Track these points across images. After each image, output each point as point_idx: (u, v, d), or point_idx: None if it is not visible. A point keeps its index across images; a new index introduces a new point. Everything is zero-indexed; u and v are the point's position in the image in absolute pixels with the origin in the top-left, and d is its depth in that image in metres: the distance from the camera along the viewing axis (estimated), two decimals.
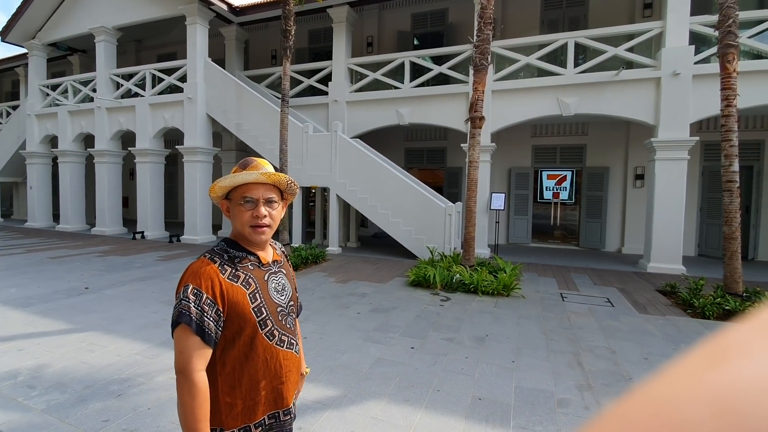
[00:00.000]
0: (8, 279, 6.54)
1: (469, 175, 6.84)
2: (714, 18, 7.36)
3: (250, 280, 1.17)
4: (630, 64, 8.05)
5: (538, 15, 10.55)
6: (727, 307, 5.04)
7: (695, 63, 7.52)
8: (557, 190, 10.09)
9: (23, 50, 13.95)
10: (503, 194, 8.87)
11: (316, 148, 9.55)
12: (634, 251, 9.70)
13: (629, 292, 6.34)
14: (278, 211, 1.23)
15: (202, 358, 1.05)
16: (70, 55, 14.83)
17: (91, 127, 12.44)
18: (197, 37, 10.69)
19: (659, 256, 7.78)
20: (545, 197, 10.50)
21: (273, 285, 1.23)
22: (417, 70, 10.03)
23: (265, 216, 1.18)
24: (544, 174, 10.49)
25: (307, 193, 12.16)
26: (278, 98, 10.65)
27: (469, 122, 6.82)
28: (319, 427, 2.58)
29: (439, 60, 9.76)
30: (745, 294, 5.39)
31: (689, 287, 5.78)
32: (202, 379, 1.04)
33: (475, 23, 6.97)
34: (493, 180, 10.37)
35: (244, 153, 11.97)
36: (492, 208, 8.80)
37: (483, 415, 2.77)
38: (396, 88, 9.92)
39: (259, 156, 10.22)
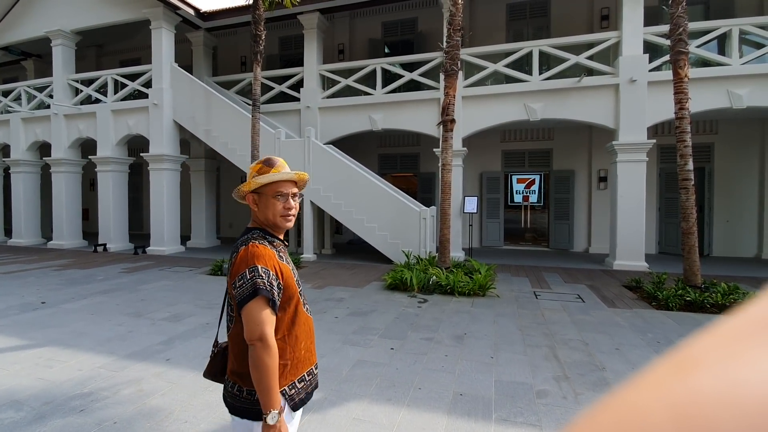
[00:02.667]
0: None
1: (442, 177, 6.94)
2: (665, 28, 7.88)
3: (286, 259, 1.40)
4: (591, 72, 8.46)
5: (503, 25, 10.94)
6: (688, 299, 5.30)
7: (650, 70, 7.99)
8: (527, 193, 10.40)
9: None
10: (476, 198, 9.05)
11: (289, 154, 9.43)
12: (601, 251, 10.09)
13: (598, 288, 6.57)
14: (298, 203, 1.45)
15: (272, 325, 1.25)
16: (24, 60, 14.08)
17: (48, 134, 11.81)
18: (163, 42, 10.40)
19: (624, 255, 8.12)
20: (516, 201, 10.79)
21: (292, 264, 1.47)
22: (389, 77, 10.14)
23: (293, 207, 1.41)
24: (514, 178, 10.79)
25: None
26: (249, 104, 10.47)
27: (442, 126, 6.93)
28: None
29: (410, 67, 9.92)
30: (703, 285, 5.70)
31: (653, 281, 6.07)
32: (275, 343, 1.24)
33: (445, 30, 7.15)
34: (465, 184, 10.55)
35: (213, 161, 11.68)
36: (465, 211, 8.95)
37: (465, 409, 2.77)
38: (368, 94, 9.98)
39: (227, 160, 10.02)
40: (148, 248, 10.40)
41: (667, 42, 7.94)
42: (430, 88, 9.54)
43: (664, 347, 3.99)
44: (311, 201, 9.19)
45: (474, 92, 9.04)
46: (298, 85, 10.65)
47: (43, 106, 12.06)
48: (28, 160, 12.19)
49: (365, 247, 9.12)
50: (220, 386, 1.51)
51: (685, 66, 5.76)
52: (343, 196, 8.95)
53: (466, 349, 3.91)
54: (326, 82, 10.72)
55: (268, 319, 1.23)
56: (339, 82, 10.29)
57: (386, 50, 12.08)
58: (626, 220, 8.06)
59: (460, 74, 9.04)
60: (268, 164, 1.39)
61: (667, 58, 8.01)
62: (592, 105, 8.37)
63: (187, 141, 11.34)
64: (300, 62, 10.73)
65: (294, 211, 1.41)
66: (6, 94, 12.71)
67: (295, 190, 1.43)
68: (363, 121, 10.02)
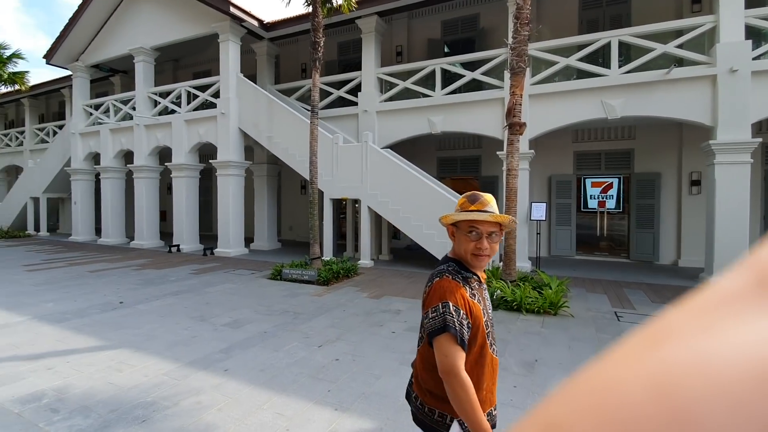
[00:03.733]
0: (47, 293, 6.72)
1: (507, 183, 6.48)
2: None
3: (479, 297, 1.40)
4: (681, 62, 7.49)
5: (576, 15, 10.11)
6: None
7: (753, 59, 6.88)
8: (603, 198, 9.48)
9: (68, 72, 14.80)
10: (544, 204, 8.40)
11: (347, 159, 9.45)
12: (693, 264, 8.92)
13: None
14: (497, 243, 1.41)
15: (462, 360, 1.27)
16: (112, 76, 15.64)
17: (131, 143, 12.96)
18: (230, 54, 10.96)
19: (723, 269, 7.04)
20: (590, 206, 9.89)
21: (488, 302, 1.47)
22: (448, 78, 9.80)
23: (486, 248, 1.37)
24: (588, 182, 9.90)
25: (339, 204, 12.10)
26: (308, 110, 10.68)
27: (507, 128, 6.48)
28: None
29: (471, 66, 9.50)
30: None
31: None
32: (466, 375, 1.25)
33: (510, 24, 6.69)
34: (532, 189, 9.89)
35: (275, 166, 12.08)
36: (533, 218, 8.34)
37: None
38: (427, 96, 9.72)
39: (289, 166, 10.26)
40: (216, 250, 10.98)
41: None
42: (493, 87, 9.05)
43: None
44: (368, 206, 9.11)
45: (542, 90, 8.42)
46: (356, 90, 10.67)
47: (127, 117, 13.27)
48: (115, 167, 13.47)
49: (423, 253, 8.86)
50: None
51: None
52: (400, 201, 8.76)
53: (537, 380, 3.51)
54: (384, 86, 10.63)
55: (458, 354, 1.26)
56: (397, 84, 10.14)
57: (446, 50, 11.73)
58: (726, 229, 7.00)
59: (528, 71, 8.46)
60: (471, 200, 1.41)
61: None
62: (683, 99, 7.40)
63: (251, 147, 11.84)
64: (358, 66, 10.74)
65: (487, 252, 1.37)
66: (97, 107, 14.17)
67: (494, 229, 1.39)
68: (421, 124, 9.77)
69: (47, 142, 17.03)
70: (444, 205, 8.31)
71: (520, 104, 6.36)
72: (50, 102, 20.30)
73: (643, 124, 9.43)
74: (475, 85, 9.50)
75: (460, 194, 8.64)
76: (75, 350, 4.25)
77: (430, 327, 1.30)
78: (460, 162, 11.82)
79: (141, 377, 3.55)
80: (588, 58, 8.24)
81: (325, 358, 3.96)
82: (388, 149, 9.84)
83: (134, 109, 12.81)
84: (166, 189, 16.24)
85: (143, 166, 12.51)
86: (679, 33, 7.63)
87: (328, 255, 9.47)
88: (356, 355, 4.06)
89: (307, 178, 8.62)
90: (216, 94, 11.35)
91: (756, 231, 8.51)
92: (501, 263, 6.83)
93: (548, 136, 8.95)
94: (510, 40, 6.50)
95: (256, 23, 10.89)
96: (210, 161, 11.17)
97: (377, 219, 9.80)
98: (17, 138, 18.80)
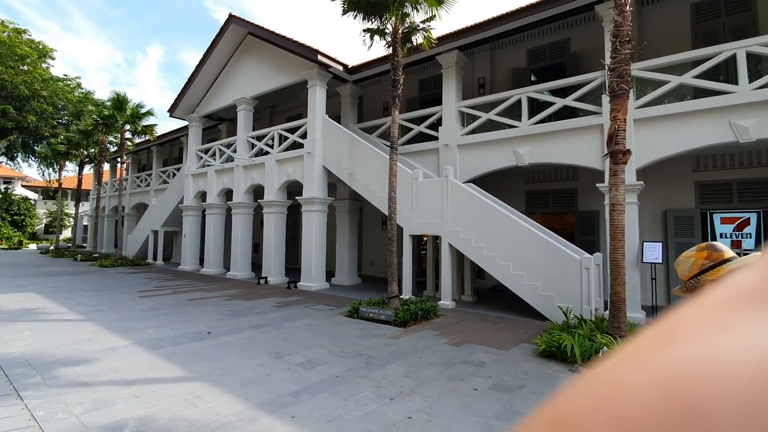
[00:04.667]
0: (151, 319, 7.38)
1: (612, 220, 5.64)
2: None
3: None
4: None
5: (688, 28, 8.97)
6: None
7: None
8: (737, 237, 7.84)
9: (186, 123, 17.18)
10: (660, 243, 7.20)
11: (427, 194, 9.24)
12: None
13: None
14: None
15: None
16: (220, 124, 17.79)
17: (231, 182, 14.35)
18: (316, 97, 11.72)
19: None
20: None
21: None
22: (536, 107, 9.25)
23: None
24: (717, 217, 8.32)
25: (419, 241, 11.84)
26: (389, 147, 10.84)
27: (609, 157, 5.73)
28: None
29: (561, 93, 8.86)
30: None
31: None
32: None
33: (608, 44, 6.07)
34: (642, 226, 8.63)
35: (356, 202, 12.34)
36: (645, 260, 7.17)
37: None
38: (512, 126, 9.23)
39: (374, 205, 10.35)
40: (299, 283, 11.34)
41: None
42: (588, 113, 8.27)
43: None
44: (449, 243, 8.69)
45: (650, 113, 7.44)
46: (437, 125, 10.58)
47: (229, 159, 14.82)
48: (217, 203, 14.98)
49: (510, 294, 8.10)
50: None
51: None
52: (484, 239, 8.21)
53: None
54: (466, 119, 10.39)
55: None
56: (479, 117, 9.84)
57: (533, 78, 11.20)
58: None
59: (631, 93, 7.59)
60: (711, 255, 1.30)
61: None
62: None
63: (334, 184, 12.31)
64: (439, 101, 10.69)
65: None
66: (206, 151, 16.10)
67: None
68: (507, 156, 9.25)
69: (168, 182, 19.74)
70: (534, 243, 7.58)
71: (624, 130, 5.61)
72: (173, 149, 23.74)
73: None
74: (566, 113, 8.81)
75: (553, 231, 7.86)
76: (162, 379, 4.45)
77: None
78: (552, 196, 10.88)
79: (212, 415, 3.52)
80: (707, 75, 7.14)
81: (396, 415, 3.59)
82: (471, 184, 9.44)
83: (235, 152, 14.26)
84: (259, 224, 17.60)
85: (240, 202, 13.69)
86: None
87: (407, 293, 9.16)
88: (432, 414, 3.61)
89: (387, 213, 8.56)
90: (304, 135, 12.13)
91: None
92: (607, 312, 5.86)
93: (660, 165, 7.81)
94: (608, 61, 5.87)
95: (340, 68, 11.57)
96: (296, 198, 11.80)
97: (459, 257, 9.31)
98: (146, 180, 22.13)
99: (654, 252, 7.03)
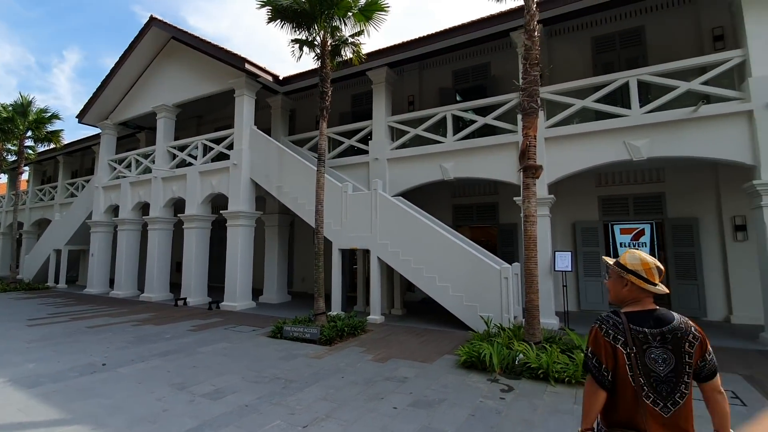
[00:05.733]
0: (36, 351, 6.31)
1: (525, 231, 5.85)
2: None
3: None
4: (708, 99, 6.96)
5: (590, 59, 9.88)
6: None
7: None
8: (635, 246, 8.60)
9: (99, 130, 15.51)
10: (569, 252, 7.64)
11: (356, 207, 9.08)
12: (749, 321, 7.77)
13: (760, 381, 4.73)
14: None
15: None
16: (138, 132, 16.33)
17: (148, 195, 13.11)
18: (244, 107, 11.17)
19: None
20: (620, 255, 9.00)
21: None
22: (462, 126, 9.60)
23: None
24: (617, 228, 9.07)
25: (351, 255, 11.59)
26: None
27: (522, 172, 5.97)
28: None
29: (483, 112, 9.26)
30: None
31: None
32: None
33: (520, 66, 6.40)
34: (555, 236, 9.16)
35: (286, 216, 11.84)
36: (557, 269, 7.56)
37: None
38: (438, 142, 9.45)
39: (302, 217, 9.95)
40: (222, 303, 10.50)
41: None
42: (506, 131, 8.71)
43: None
44: (378, 257, 8.55)
45: (558, 132, 8.00)
46: (368, 139, 10.54)
47: (147, 171, 13.56)
48: (132, 218, 13.56)
49: (439, 307, 8.10)
50: None
51: None
52: (412, 252, 8.18)
53: None
54: (395, 134, 10.48)
55: None
56: (408, 132, 9.97)
57: (458, 98, 11.64)
58: None
59: (541, 114, 8.11)
60: (659, 272, 1.71)
61: None
62: (716, 137, 6.78)
63: (262, 197, 11.71)
64: (371, 116, 10.68)
65: None
66: (120, 162, 14.61)
67: None
68: (433, 171, 9.41)
69: (76, 196, 17.59)
70: (458, 255, 7.69)
71: (535, 146, 5.89)
72: (84, 159, 21.34)
73: (672, 166, 8.75)
74: (487, 131, 9.22)
75: (478, 243, 8.01)
76: (32, 424, 3.72)
77: (716, 365, 1.61)
78: (476, 209, 11.26)
79: None
80: (606, 99, 7.84)
81: None
82: (400, 197, 9.44)
83: (154, 162, 13.09)
84: (182, 241, 16.22)
85: (158, 217, 12.52)
86: (703, 70, 7.18)
87: (336, 309, 8.83)
88: None
89: (313, 226, 8.23)
90: (230, 147, 11.45)
91: None
92: (523, 320, 6.02)
93: (569, 180, 8.38)
94: (520, 82, 6.18)
95: (270, 78, 11.16)
96: (221, 212, 11.03)
97: (389, 270, 9.21)
98: (50, 192, 19.58)
99: (564, 261, 7.44)
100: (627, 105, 7.60)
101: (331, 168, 10.78)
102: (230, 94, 11.70)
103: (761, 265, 6.51)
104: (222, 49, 11.03)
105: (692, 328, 1.61)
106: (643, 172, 9.19)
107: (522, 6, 6.34)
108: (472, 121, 9.23)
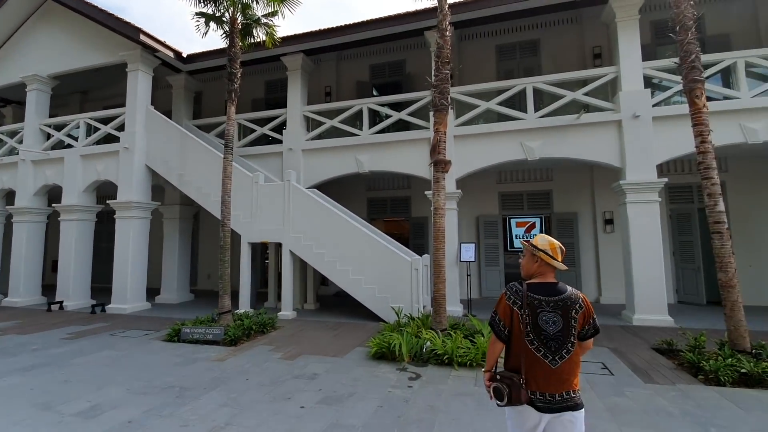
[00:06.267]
0: None
1: (435, 223, 6.02)
2: (665, 62, 7.39)
3: None
4: (588, 108, 7.86)
5: (493, 65, 10.55)
6: (742, 370, 4.23)
7: (653, 106, 7.39)
8: (527, 238, 9.47)
9: None
10: (473, 244, 8.10)
11: (268, 199, 8.56)
12: (613, 301, 9.03)
13: (623, 353, 5.47)
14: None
15: None
16: (3, 107, 13.52)
17: (13, 182, 10.93)
18: (138, 84, 9.82)
19: (644, 307, 7.08)
20: (515, 246, 9.84)
21: None
22: (378, 120, 9.58)
23: None
24: (513, 221, 9.92)
25: (263, 249, 10.95)
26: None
27: (433, 166, 6.11)
28: None
29: (398, 108, 9.34)
30: (754, 350, 4.63)
31: (690, 345, 5.01)
32: None
33: (433, 64, 6.54)
34: (461, 229, 9.65)
35: (189, 207, 10.75)
36: (462, 259, 7.96)
37: None
38: (354, 135, 9.32)
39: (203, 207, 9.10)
40: (109, 306, 9.18)
41: (666, 76, 7.48)
42: (419, 128, 8.90)
43: None
44: (291, 250, 8.18)
45: (466, 131, 8.40)
46: (282, 128, 9.99)
47: (13, 152, 11.28)
48: None
49: (353, 300, 8.03)
50: None
51: (702, 95, 5.07)
52: (325, 245, 7.97)
53: None
54: (311, 124, 10.10)
55: None
56: (324, 123, 9.67)
57: (374, 92, 11.62)
58: (643, 267, 7.11)
59: (451, 112, 8.43)
60: (562, 251, 2.11)
61: (668, 93, 7.48)
62: (593, 142, 7.69)
63: (161, 186, 10.48)
64: (286, 105, 10.13)
65: None
66: None
67: None
68: (349, 164, 9.27)
69: None
70: (371, 247, 7.68)
71: (445, 141, 6.07)
72: None
73: (559, 167, 9.76)
74: (402, 126, 9.33)
75: (391, 236, 8.06)
76: None
77: (597, 328, 1.96)
78: (390, 203, 11.41)
79: None
80: (507, 103, 8.42)
81: None
82: (314, 189, 9.13)
83: (22, 142, 10.92)
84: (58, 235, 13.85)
85: (26, 207, 10.50)
86: (586, 82, 8.07)
87: (245, 307, 8.26)
88: None
89: (219, 218, 7.55)
90: (122, 128, 10.01)
91: (669, 268, 8.84)
92: (431, 309, 6.21)
93: (474, 177, 8.87)
94: (433, 79, 6.30)
95: (171, 54, 9.96)
96: (108, 201, 9.60)
97: (303, 264, 8.87)
98: None
99: (469, 252, 7.87)
100: (524, 109, 8.24)
101: (242, 157, 10.04)
102: (123, 69, 10.20)
103: (624, 254, 7.57)
104: (112, 15, 9.57)
105: (580, 300, 1.93)
106: (536, 171, 10.11)
107: (435, 6, 6.46)
108: (388, 116, 9.26)
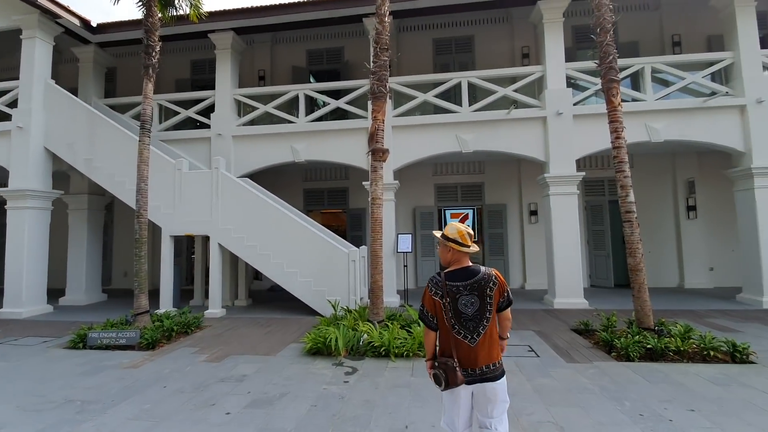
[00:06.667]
0: None
1: (372, 214, 5.86)
2: (585, 64, 7.90)
3: None
4: (517, 104, 8.18)
5: (430, 59, 10.60)
6: (648, 346, 4.63)
7: (574, 104, 7.87)
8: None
9: None
10: (410, 235, 8.10)
11: (193, 188, 7.81)
12: (536, 287, 9.61)
13: (547, 335, 5.78)
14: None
15: None
16: None
17: None
18: (36, 55, 8.41)
19: (563, 292, 7.59)
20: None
21: None
22: (314, 107, 9.17)
23: None
24: (448, 212, 10.13)
25: (189, 243, 10.06)
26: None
27: (371, 155, 5.93)
28: None
29: (336, 96, 9.02)
30: (657, 328, 5.11)
31: (603, 324, 5.42)
32: None
33: (371, 50, 6.33)
34: (398, 220, 9.65)
35: (100, 197, 9.52)
36: (399, 250, 7.93)
37: None
38: (290, 122, 8.83)
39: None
40: (0, 310, 7.83)
41: (585, 77, 8.01)
42: (358, 117, 8.66)
43: (651, 422, 3.10)
44: (220, 244, 7.55)
45: (404, 122, 8.34)
46: (211, 112, 9.16)
47: None
48: None
49: (289, 294, 7.62)
50: None
51: (617, 94, 5.44)
52: (258, 237, 7.47)
53: None
54: (243, 109, 9.40)
55: None
56: (257, 108, 9.04)
57: (311, 79, 11.14)
58: (563, 254, 7.61)
59: (390, 102, 8.30)
60: (471, 237, 2.14)
61: (587, 93, 8.02)
62: (522, 137, 8.03)
63: (65, 173, 9.15)
64: (215, 87, 9.29)
65: None
66: None
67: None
68: (284, 152, 8.78)
69: None
70: (307, 239, 7.35)
71: (383, 130, 5.91)
72: None
73: (490, 160, 10.12)
74: (340, 115, 9.05)
75: (329, 228, 7.78)
76: None
77: (509, 301, 2.10)
78: (327, 194, 11.07)
79: None
80: (443, 96, 8.48)
81: None
82: (246, 178, 8.52)
83: None
84: None
85: None
86: (515, 79, 8.38)
87: (167, 306, 7.49)
88: None
89: (135, 209, 6.71)
90: (14, 104, 8.51)
91: (583, 255, 9.56)
92: (369, 301, 6.07)
93: (411, 169, 8.88)
94: (371, 66, 6.09)
95: (76, 21, 8.64)
96: None
97: (234, 258, 8.27)
98: None
99: (406, 242, 7.86)
100: (459, 103, 8.36)
101: (164, 142, 9.07)
102: (17, 36, 8.63)
103: (547, 242, 8.04)
104: None
105: (493, 276, 2.04)
106: (469, 164, 10.39)
107: None
108: (326, 104, 8.91)
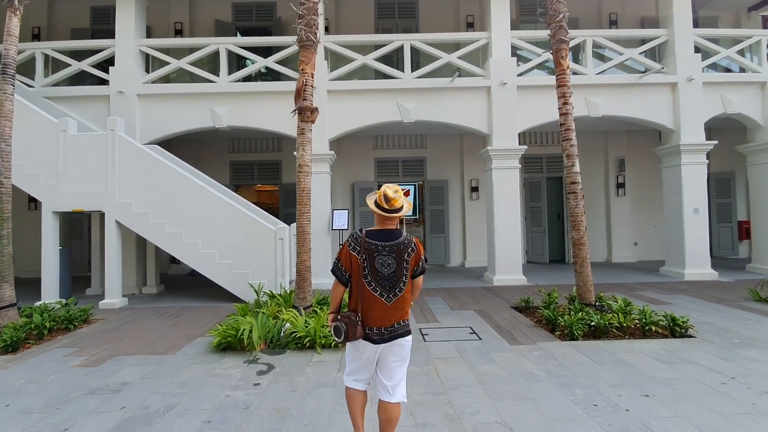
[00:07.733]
0: None
1: (299, 183, 4.94)
2: (532, 33, 7.45)
3: None
4: (461, 72, 7.59)
5: (372, 22, 9.64)
6: (592, 323, 4.31)
7: (518, 75, 7.45)
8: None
9: None
10: (346, 210, 7.30)
11: (83, 154, 6.32)
12: (476, 264, 9.35)
13: (488, 314, 5.35)
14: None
15: None
16: None
17: None
18: None
19: (503, 268, 7.29)
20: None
21: None
22: (240, 66, 7.90)
23: None
24: None
25: (88, 220, 8.40)
26: (27, 86, 7.03)
27: (297, 114, 4.97)
28: None
29: (267, 54, 7.79)
30: (597, 303, 4.86)
31: (545, 301, 5.10)
32: None
33: None
34: (336, 196, 8.81)
35: None
36: (335, 227, 7.11)
37: None
38: (210, 81, 7.50)
39: None
40: None
41: (530, 48, 7.59)
42: (289, 79, 7.55)
43: (607, 414, 2.66)
44: (117, 221, 6.21)
45: (342, 86, 7.41)
46: (109, 65, 7.52)
47: None
48: None
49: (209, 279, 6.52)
50: None
51: (566, 56, 4.98)
52: (166, 214, 6.23)
53: None
54: (153, 64, 7.85)
55: None
56: (168, 63, 7.57)
57: (238, 36, 9.68)
58: (504, 230, 7.28)
59: (325, 63, 7.32)
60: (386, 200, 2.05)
61: (533, 63, 7.62)
62: (466, 107, 7.48)
63: None
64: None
65: None
66: None
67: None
68: (203, 116, 7.47)
69: None
70: (227, 215, 6.26)
71: (312, 86, 4.96)
72: None
73: (432, 133, 9.54)
74: (271, 78, 7.88)
75: (261, 205, 6.65)
76: None
77: (423, 268, 2.11)
78: (258, 168, 9.86)
79: None
80: (384, 61, 7.65)
81: None
82: (155, 146, 7.12)
83: None
84: None
85: None
86: (460, 46, 7.75)
87: (51, 297, 6.05)
88: None
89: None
90: None
91: (522, 230, 9.41)
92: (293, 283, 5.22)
93: (350, 141, 8.04)
94: (299, 9, 5.05)
95: None
96: None
97: (142, 240, 6.93)
98: None
99: (342, 219, 7.07)
100: (402, 69, 7.58)
101: (49, 99, 7.30)
102: None
103: (488, 218, 7.67)
104: None
105: (413, 244, 2.04)
106: (411, 137, 9.74)
107: None
108: (252, 62, 7.66)
